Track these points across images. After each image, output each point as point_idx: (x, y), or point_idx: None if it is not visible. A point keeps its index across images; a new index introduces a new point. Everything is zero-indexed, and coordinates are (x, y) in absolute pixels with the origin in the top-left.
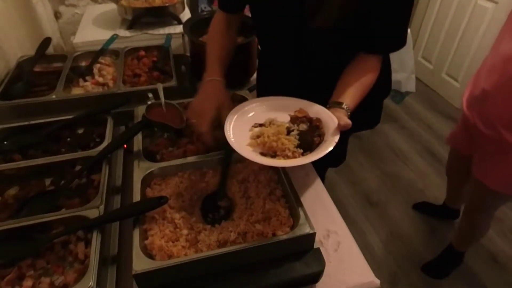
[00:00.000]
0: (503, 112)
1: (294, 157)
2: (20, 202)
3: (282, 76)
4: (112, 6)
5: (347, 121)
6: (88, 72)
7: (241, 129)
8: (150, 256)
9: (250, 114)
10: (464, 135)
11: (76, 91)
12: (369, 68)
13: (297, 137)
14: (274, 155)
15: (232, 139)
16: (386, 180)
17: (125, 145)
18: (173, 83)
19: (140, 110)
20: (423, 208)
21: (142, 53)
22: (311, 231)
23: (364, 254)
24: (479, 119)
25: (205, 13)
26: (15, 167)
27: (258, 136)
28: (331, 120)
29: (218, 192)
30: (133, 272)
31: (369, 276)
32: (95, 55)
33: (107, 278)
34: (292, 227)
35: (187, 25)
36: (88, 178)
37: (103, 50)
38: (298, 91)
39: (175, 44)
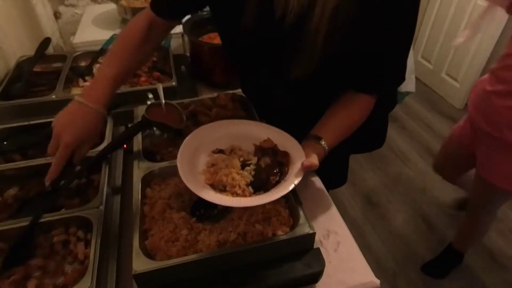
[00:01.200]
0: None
1: (244, 195)
2: (20, 202)
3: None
4: (112, 6)
5: (313, 163)
6: (88, 72)
7: (203, 151)
8: (150, 256)
9: (218, 135)
10: (469, 130)
11: (76, 91)
12: (362, 107)
13: (253, 172)
14: (223, 189)
15: (180, 163)
16: (386, 180)
17: (125, 145)
18: (173, 83)
19: (139, 110)
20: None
21: None
22: (311, 231)
23: (364, 254)
24: (483, 118)
25: (205, 13)
26: (14, 167)
27: (213, 165)
28: (300, 157)
29: None
30: (133, 272)
31: (369, 276)
32: (95, 55)
33: (107, 278)
34: (292, 227)
35: (187, 25)
36: (88, 178)
37: (103, 50)
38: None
39: (175, 44)
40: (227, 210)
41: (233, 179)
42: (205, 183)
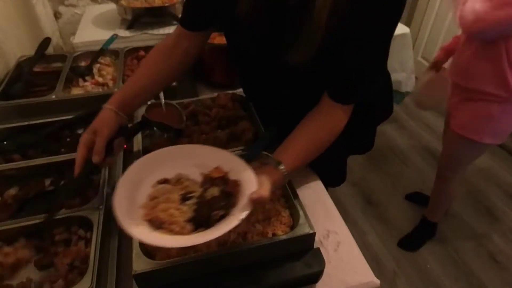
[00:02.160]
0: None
1: (182, 233)
2: (20, 202)
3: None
4: (112, 6)
5: (262, 195)
6: (88, 72)
7: (148, 181)
8: (150, 256)
9: (167, 162)
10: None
11: (76, 91)
12: (334, 119)
13: (194, 207)
14: (161, 226)
15: (117, 195)
16: (386, 180)
17: (124, 145)
18: (173, 83)
19: (139, 110)
20: (415, 198)
21: (142, 53)
22: (311, 231)
23: (364, 254)
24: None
25: None
26: (14, 167)
27: (154, 198)
28: (251, 187)
29: None
30: (133, 272)
31: (369, 276)
32: (94, 55)
33: (107, 278)
34: (292, 227)
35: None
36: (88, 178)
37: (103, 50)
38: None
39: None
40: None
41: (171, 215)
42: (141, 220)
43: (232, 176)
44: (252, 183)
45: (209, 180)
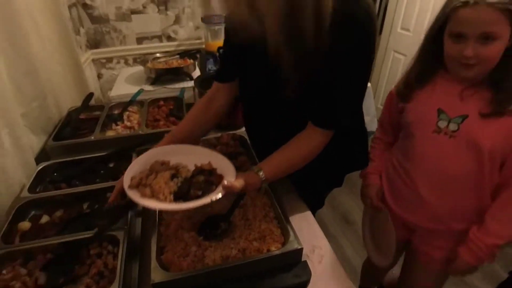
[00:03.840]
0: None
1: (165, 201)
2: (64, 222)
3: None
4: (140, 68)
5: (234, 185)
6: (119, 118)
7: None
8: (166, 268)
9: (175, 154)
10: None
11: (110, 133)
12: (314, 140)
13: (179, 184)
14: (151, 196)
15: (130, 167)
16: (359, 202)
17: None
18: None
19: None
20: None
21: (162, 102)
22: (299, 247)
23: (343, 266)
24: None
25: (211, 71)
26: (61, 194)
27: (153, 170)
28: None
29: (226, 215)
30: (152, 282)
31: (348, 283)
32: (125, 105)
33: (130, 286)
34: (283, 244)
35: (197, 80)
36: (117, 203)
37: (132, 101)
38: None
39: (187, 95)
40: (229, 230)
41: (159, 186)
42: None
43: (218, 172)
44: (232, 179)
45: (199, 170)
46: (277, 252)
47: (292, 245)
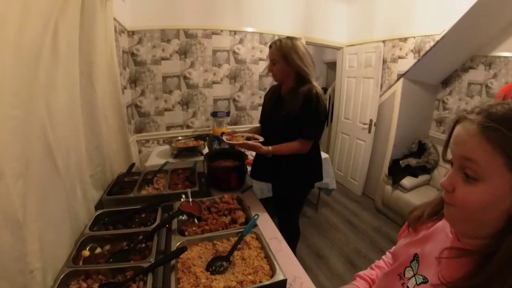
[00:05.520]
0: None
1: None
2: (110, 254)
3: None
4: (167, 146)
5: (255, 144)
6: (150, 181)
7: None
8: None
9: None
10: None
11: (144, 192)
12: (300, 143)
13: (244, 138)
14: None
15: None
16: (327, 241)
17: (167, 225)
18: (196, 189)
19: (176, 204)
20: None
21: (180, 171)
22: (284, 278)
23: None
24: None
25: (216, 149)
26: (109, 233)
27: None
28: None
29: (227, 256)
30: None
31: None
32: (155, 172)
33: None
34: (272, 276)
35: (206, 156)
36: (146, 243)
37: (160, 170)
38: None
39: (199, 166)
40: (230, 267)
41: (237, 140)
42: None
43: (256, 137)
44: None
45: (247, 138)
46: (267, 282)
47: (279, 277)
